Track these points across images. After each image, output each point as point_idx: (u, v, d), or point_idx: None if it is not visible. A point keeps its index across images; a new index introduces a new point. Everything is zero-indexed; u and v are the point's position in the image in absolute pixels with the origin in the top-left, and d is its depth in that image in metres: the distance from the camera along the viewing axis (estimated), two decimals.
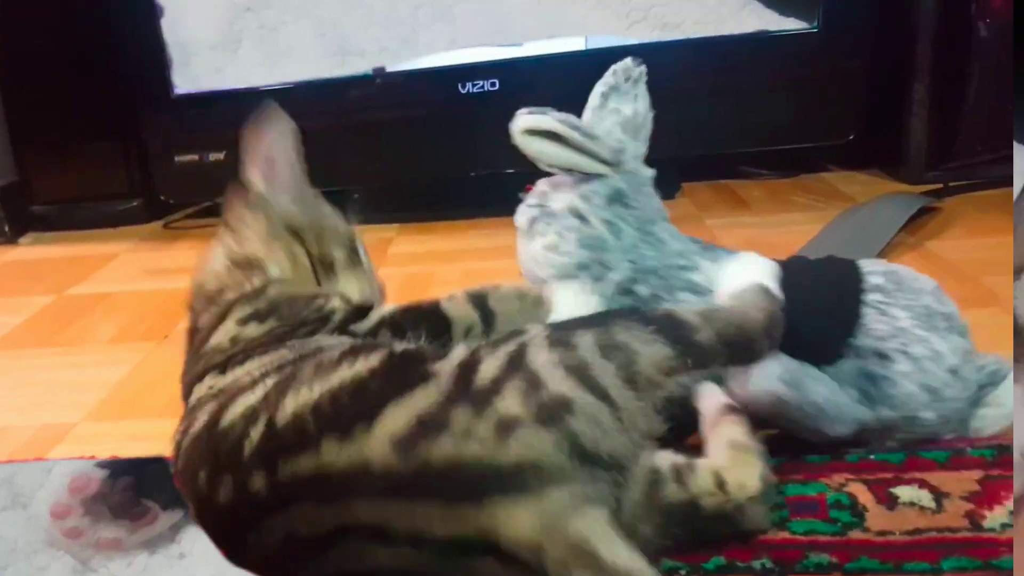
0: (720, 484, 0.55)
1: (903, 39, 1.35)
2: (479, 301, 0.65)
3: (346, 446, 0.47)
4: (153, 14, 1.43)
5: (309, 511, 0.47)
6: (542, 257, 0.72)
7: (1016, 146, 0.69)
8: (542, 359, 0.49)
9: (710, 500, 0.55)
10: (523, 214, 0.74)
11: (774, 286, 0.60)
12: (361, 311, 0.64)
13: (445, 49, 1.41)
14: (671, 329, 0.51)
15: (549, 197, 0.73)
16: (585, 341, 0.50)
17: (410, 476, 0.45)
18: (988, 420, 0.67)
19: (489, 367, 0.49)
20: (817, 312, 0.66)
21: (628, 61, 0.72)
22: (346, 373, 0.51)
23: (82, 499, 0.72)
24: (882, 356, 0.64)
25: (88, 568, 0.65)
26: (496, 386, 0.48)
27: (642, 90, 0.72)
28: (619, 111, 0.71)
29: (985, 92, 1.31)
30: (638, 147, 0.73)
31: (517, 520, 0.44)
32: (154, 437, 0.80)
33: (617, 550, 0.45)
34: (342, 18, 1.41)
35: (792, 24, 1.35)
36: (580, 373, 0.48)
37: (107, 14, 1.48)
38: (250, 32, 1.43)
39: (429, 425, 0.46)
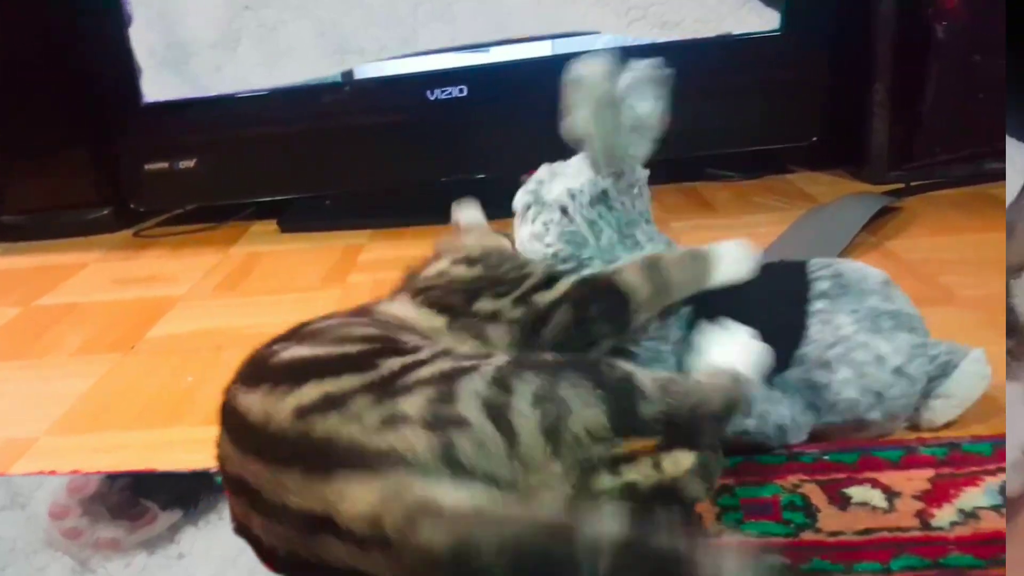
0: (656, 465, 0.56)
1: (863, 42, 1.37)
2: (650, 269, 0.67)
3: (266, 399, 0.51)
4: (121, 23, 1.42)
5: (229, 446, 0.52)
6: (528, 244, 0.75)
7: (1011, 143, 0.69)
8: (471, 387, 0.50)
9: (646, 481, 0.56)
10: (520, 199, 0.77)
11: (752, 371, 0.60)
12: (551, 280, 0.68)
13: (445, 47, 1.41)
14: (619, 398, 0.52)
15: (544, 186, 0.76)
16: (524, 388, 0.51)
17: (290, 441, 0.48)
18: (939, 411, 0.69)
19: (423, 373, 0.51)
20: (764, 330, 0.66)
21: (655, 62, 0.72)
22: (335, 349, 0.56)
23: (81, 499, 0.72)
24: (824, 365, 0.66)
25: (87, 568, 0.65)
26: (411, 388, 0.50)
27: (661, 92, 0.72)
28: (634, 108, 0.71)
29: (944, 93, 1.33)
30: (642, 148, 0.73)
31: (355, 494, 0.45)
32: (118, 449, 0.80)
33: (457, 493, 0.45)
34: (342, 17, 1.40)
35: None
36: (495, 411, 0.49)
37: (76, 23, 1.47)
38: (249, 31, 1.42)
39: (331, 403, 0.49)
